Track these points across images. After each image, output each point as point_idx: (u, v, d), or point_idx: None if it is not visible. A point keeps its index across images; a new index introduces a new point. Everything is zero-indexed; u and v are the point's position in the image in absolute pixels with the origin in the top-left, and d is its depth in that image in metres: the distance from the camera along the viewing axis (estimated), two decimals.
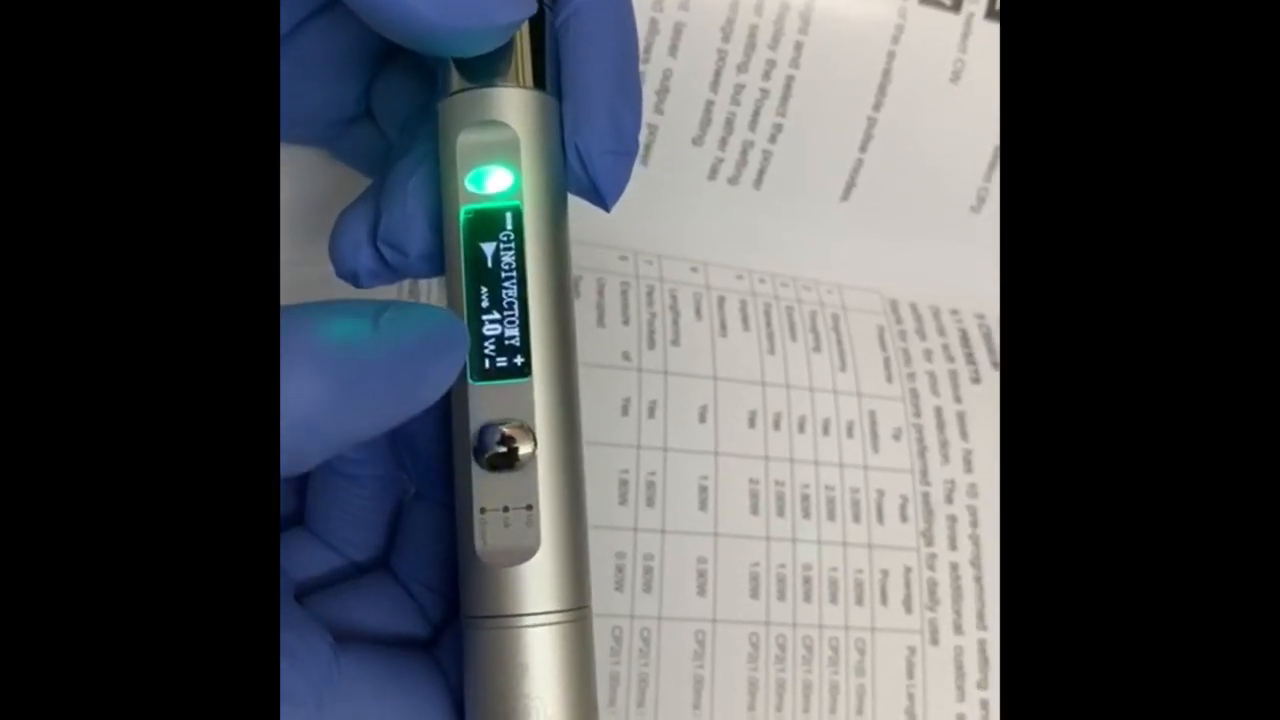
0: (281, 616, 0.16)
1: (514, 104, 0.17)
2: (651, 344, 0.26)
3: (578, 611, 0.16)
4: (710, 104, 0.28)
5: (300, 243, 0.26)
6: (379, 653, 0.17)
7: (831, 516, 0.25)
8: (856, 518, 0.25)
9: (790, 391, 0.26)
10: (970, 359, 0.28)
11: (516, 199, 0.17)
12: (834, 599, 0.25)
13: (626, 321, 0.27)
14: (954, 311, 0.29)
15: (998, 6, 0.28)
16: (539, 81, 0.17)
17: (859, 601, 0.25)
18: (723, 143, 0.28)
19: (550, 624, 0.16)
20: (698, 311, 0.27)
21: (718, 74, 0.28)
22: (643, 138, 0.28)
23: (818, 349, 0.27)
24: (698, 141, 0.28)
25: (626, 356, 0.26)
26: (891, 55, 0.28)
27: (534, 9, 0.17)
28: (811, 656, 0.24)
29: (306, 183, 0.26)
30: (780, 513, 0.25)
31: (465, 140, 0.17)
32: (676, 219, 0.29)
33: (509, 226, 0.17)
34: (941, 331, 0.29)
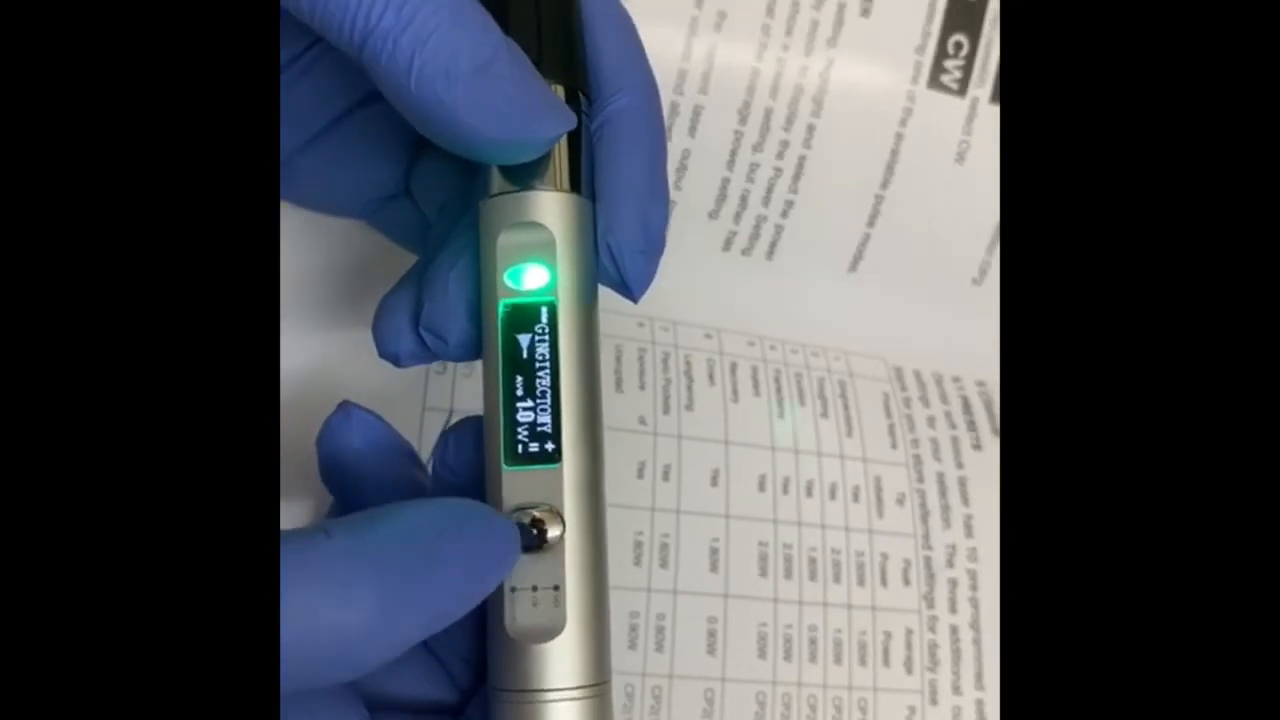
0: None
1: (551, 207, 0.18)
2: (667, 409, 0.28)
3: (599, 687, 0.18)
4: (726, 181, 0.29)
5: (340, 306, 0.27)
6: None
7: (837, 579, 0.26)
8: (861, 581, 0.27)
9: (799, 456, 0.28)
10: (971, 426, 0.30)
11: (552, 295, 0.18)
12: (838, 659, 0.26)
13: (643, 387, 0.28)
14: (956, 379, 0.31)
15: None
16: (574, 184, 0.19)
17: (862, 662, 0.26)
18: (737, 217, 0.30)
19: (573, 699, 0.17)
20: (711, 377, 0.29)
21: (734, 153, 0.29)
22: None
23: (825, 415, 0.29)
24: (713, 215, 0.30)
25: (643, 421, 0.27)
26: (900, 136, 0.29)
27: (574, 123, 0.18)
28: (816, 715, 0.25)
29: (348, 251, 0.27)
30: (788, 575, 0.26)
31: (505, 240, 0.18)
32: (692, 288, 0.30)
33: (544, 320, 0.18)
34: (944, 398, 0.30)
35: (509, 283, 0.18)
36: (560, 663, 0.17)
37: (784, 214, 0.30)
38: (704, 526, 0.26)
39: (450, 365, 0.27)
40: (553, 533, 0.18)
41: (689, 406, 0.28)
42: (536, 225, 0.18)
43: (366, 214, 0.25)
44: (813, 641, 0.26)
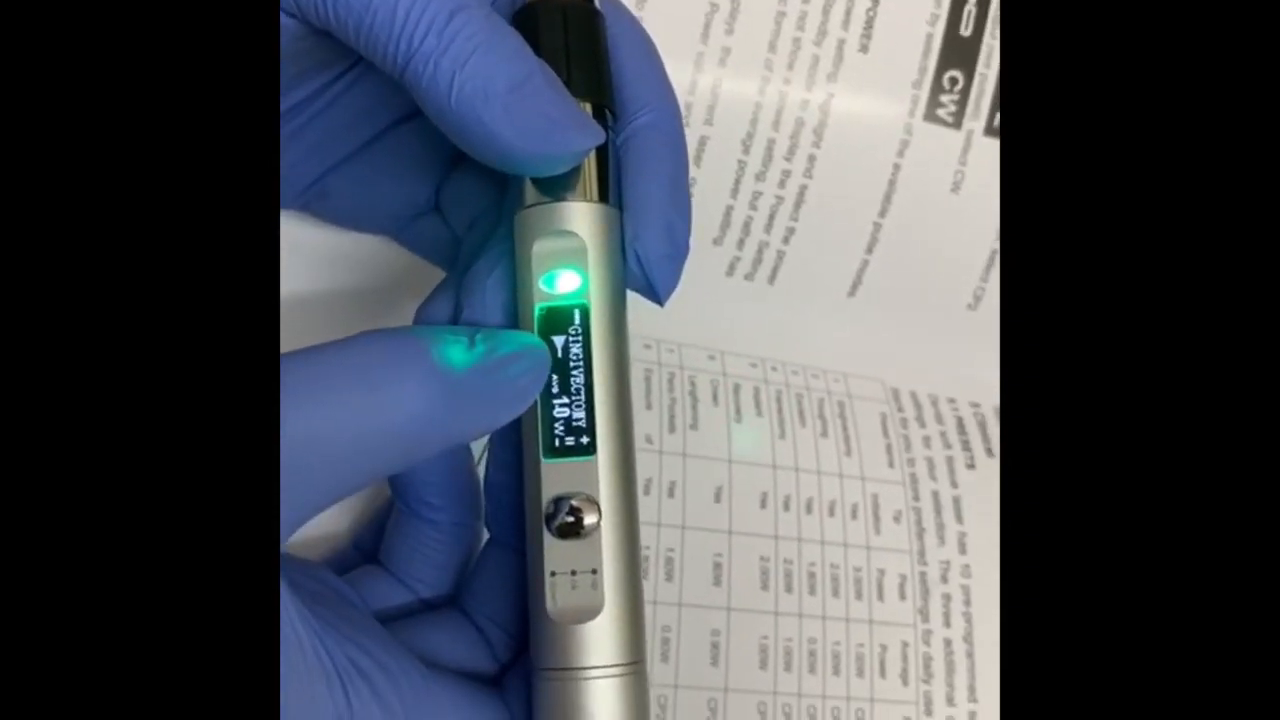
0: (373, 635, 0.19)
1: (582, 216, 0.20)
2: (672, 428, 0.29)
3: (635, 665, 0.19)
4: (730, 209, 0.30)
5: (367, 320, 0.28)
6: (463, 682, 0.19)
7: (836, 593, 0.27)
8: (859, 595, 0.27)
9: (799, 474, 0.29)
10: (966, 446, 0.31)
11: (584, 298, 0.19)
12: (836, 671, 0.27)
13: (649, 406, 0.29)
14: (951, 400, 0.32)
15: (995, 124, 0.31)
16: (603, 195, 0.20)
17: (859, 674, 0.27)
18: (740, 243, 0.31)
19: (611, 676, 0.18)
20: (715, 397, 0.30)
21: (737, 182, 0.30)
22: None
23: (825, 434, 0.30)
24: (718, 242, 0.31)
25: (649, 439, 0.28)
26: (897, 167, 0.30)
27: (603, 138, 0.19)
28: None
29: (374, 267, 0.28)
30: (788, 589, 0.27)
31: (540, 248, 0.20)
32: (697, 311, 0.31)
33: (577, 322, 0.19)
34: (939, 419, 0.31)
35: (544, 287, 0.20)
36: (599, 641, 0.18)
37: (785, 240, 0.31)
38: (708, 542, 0.27)
39: None
40: (589, 520, 0.19)
41: (693, 426, 0.29)
42: (569, 234, 0.20)
43: (396, 230, 0.27)
44: (812, 654, 0.27)
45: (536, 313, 0.20)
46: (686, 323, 0.31)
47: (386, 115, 0.24)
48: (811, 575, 0.27)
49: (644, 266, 0.20)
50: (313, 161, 0.24)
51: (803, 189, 0.30)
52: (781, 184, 0.30)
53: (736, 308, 0.31)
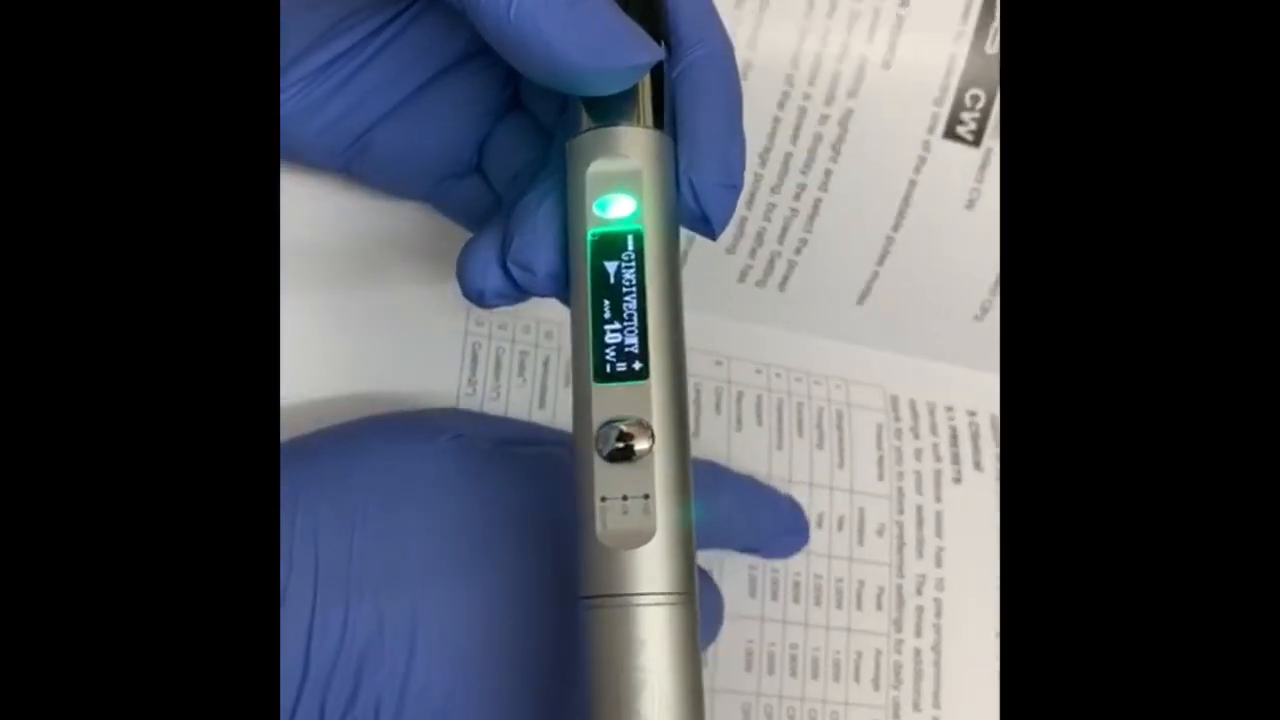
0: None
1: (637, 141, 0.20)
2: None
3: (686, 595, 0.18)
4: (744, 219, 0.31)
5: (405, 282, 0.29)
6: None
7: (818, 602, 0.29)
8: (839, 604, 0.30)
9: (791, 486, 0.30)
10: (955, 459, 0.32)
11: (638, 223, 0.19)
12: (815, 675, 0.29)
13: None
14: (949, 408, 0.33)
15: None
16: (658, 123, 0.20)
17: (836, 679, 0.29)
18: (753, 252, 0.31)
19: (663, 604, 0.18)
20: (718, 406, 0.31)
21: (753, 194, 0.30)
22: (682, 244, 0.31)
23: (820, 446, 0.31)
24: (731, 250, 0.31)
25: None
26: (913, 184, 0.31)
27: (662, 54, 0.19)
28: None
29: (415, 233, 0.29)
30: (774, 596, 0.29)
31: (594, 171, 0.19)
32: (707, 316, 0.32)
33: (630, 248, 0.19)
34: (934, 430, 0.32)
35: (597, 212, 0.19)
36: (651, 568, 0.18)
37: (798, 251, 0.31)
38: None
39: (479, 387, 0.30)
40: (641, 445, 0.18)
41: (695, 434, 0.30)
42: (624, 157, 0.19)
43: (434, 193, 0.27)
44: (793, 658, 0.29)
45: (589, 238, 0.19)
46: (697, 327, 0.32)
47: (436, 60, 0.24)
48: (796, 584, 0.29)
49: (698, 197, 0.20)
50: (362, 111, 0.24)
51: (817, 202, 0.31)
52: (796, 197, 0.31)
53: (746, 313, 0.32)
